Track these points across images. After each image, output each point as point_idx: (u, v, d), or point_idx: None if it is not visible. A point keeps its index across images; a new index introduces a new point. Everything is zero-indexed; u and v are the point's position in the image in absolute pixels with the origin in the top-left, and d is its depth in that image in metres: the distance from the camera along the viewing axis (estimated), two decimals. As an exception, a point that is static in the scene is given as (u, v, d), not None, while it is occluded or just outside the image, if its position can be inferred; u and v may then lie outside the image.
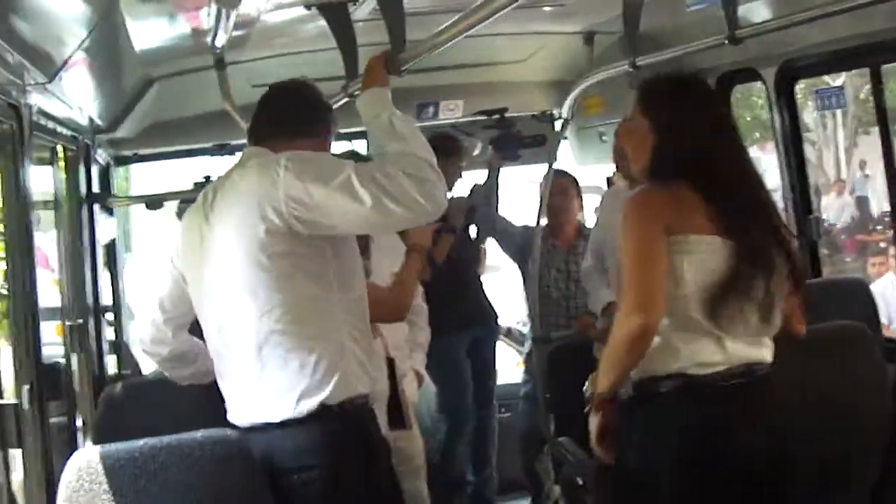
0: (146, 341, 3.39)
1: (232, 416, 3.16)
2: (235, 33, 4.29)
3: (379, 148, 3.11)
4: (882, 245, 17.51)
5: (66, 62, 3.51)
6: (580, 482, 4.56)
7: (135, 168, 9.00)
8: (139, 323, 3.39)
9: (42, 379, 3.39)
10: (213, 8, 3.66)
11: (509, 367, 7.47)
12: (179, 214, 7.02)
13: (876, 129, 5.05)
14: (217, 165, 6.61)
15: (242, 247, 3.00)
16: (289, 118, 3.26)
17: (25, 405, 3.24)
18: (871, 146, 21.89)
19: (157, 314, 3.31)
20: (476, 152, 6.48)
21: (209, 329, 3.17)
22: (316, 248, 3.02)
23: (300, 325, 3.00)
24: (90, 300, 4.96)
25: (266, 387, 3.04)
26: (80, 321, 4.76)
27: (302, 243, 3.00)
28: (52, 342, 4.49)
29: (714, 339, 3.11)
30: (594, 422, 3.26)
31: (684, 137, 3.19)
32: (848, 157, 22.30)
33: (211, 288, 3.10)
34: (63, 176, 4.83)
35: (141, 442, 2.85)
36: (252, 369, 3.05)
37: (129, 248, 9.53)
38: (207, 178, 6.23)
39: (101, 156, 5.92)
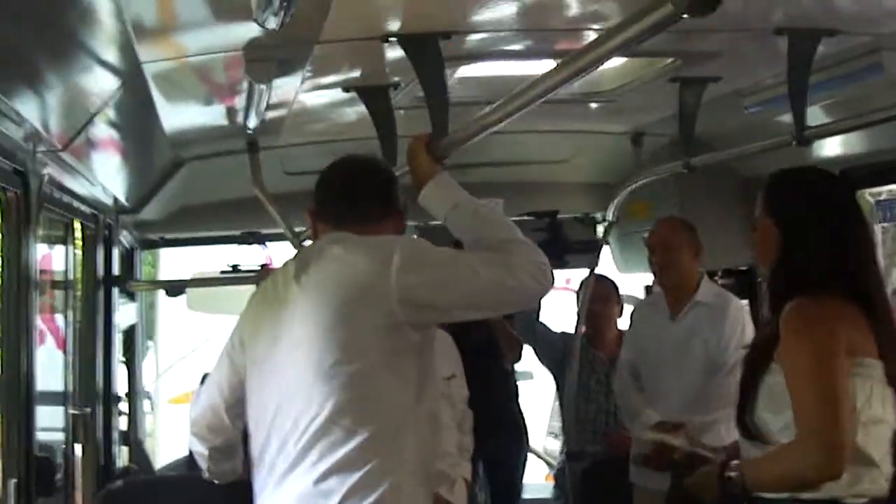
0: (202, 429, 3.16)
1: None
2: (270, 115, 4.12)
3: (474, 239, 2.94)
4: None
5: (80, 131, 3.32)
6: None
7: (164, 252, 8.91)
8: (196, 411, 3.16)
9: (33, 473, 3.11)
10: (246, 85, 3.48)
11: (538, 480, 7.16)
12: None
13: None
14: (245, 254, 6.44)
15: (329, 335, 2.81)
16: (371, 199, 3.03)
17: (11, 502, 2.96)
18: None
19: (217, 400, 3.10)
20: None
21: (263, 412, 2.94)
22: (408, 347, 2.84)
23: (366, 423, 2.78)
24: (100, 388, 4.70)
25: (311, 481, 2.80)
26: (87, 409, 4.50)
27: (395, 341, 2.82)
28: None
29: (871, 467, 2.83)
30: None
31: (830, 247, 2.92)
32: (886, 277, 21.94)
33: (279, 369, 2.90)
34: (80, 255, 4.62)
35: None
36: (300, 460, 2.82)
37: (151, 335, 9.35)
38: (235, 266, 6.05)
39: (126, 238, 5.75)
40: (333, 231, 3.01)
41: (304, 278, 2.93)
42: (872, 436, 2.82)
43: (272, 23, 2.49)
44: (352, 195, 3.04)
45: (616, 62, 4.11)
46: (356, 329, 2.81)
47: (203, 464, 3.24)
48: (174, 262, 8.91)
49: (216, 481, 3.28)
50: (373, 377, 2.81)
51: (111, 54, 2.97)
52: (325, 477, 2.78)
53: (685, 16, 1.76)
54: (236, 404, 3.06)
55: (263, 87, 3.37)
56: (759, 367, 2.94)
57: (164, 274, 9.06)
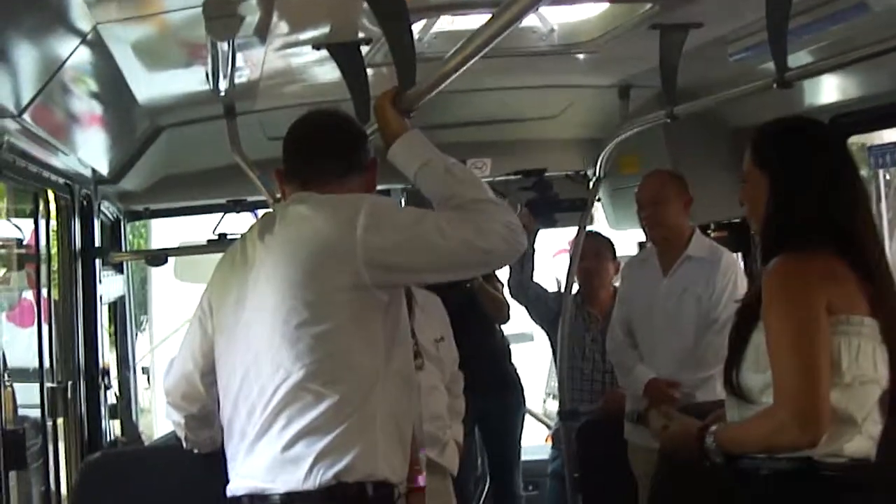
0: (177, 399, 3.13)
1: (234, 483, 2.88)
2: (243, 77, 4.02)
3: (444, 198, 2.84)
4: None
5: (36, 95, 3.22)
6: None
7: (156, 223, 8.83)
8: (170, 380, 3.12)
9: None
10: (209, 46, 3.38)
11: (538, 441, 7.11)
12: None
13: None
14: (235, 222, 6.36)
15: (294, 295, 2.75)
16: (334, 157, 2.96)
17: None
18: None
19: (190, 367, 3.05)
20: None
21: (231, 378, 2.90)
22: (375, 308, 2.77)
23: (334, 386, 2.73)
24: (82, 362, 4.63)
25: (279, 448, 2.76)
26: (70, 383, 4.43)
27: (361, 301, 2.75)
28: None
29: (851, 426, 2.72)
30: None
31: (819, 196, 2.79)
32: (891, 229, 21.74)
33: (245, 333, 2.85)
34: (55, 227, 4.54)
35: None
36: (269, 427, 2.77)
37: (146, 309, 9.29)
38: (223, 235, 5.97)
39: (110, 208, 5.66)
40: (299, 191, 2.94)
41: (268, 239, 2.87)
42: (857, 396, 2.70)
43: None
44: (314, 153, 2.97)
45: (594, 10, 4.01)
46: (321, 289, 2.74)
47: (181, 433, 3.21)
48: (166, 232, 8.83)
49: (196, 450, 3.23)
50: (340, 338, 2.74)
51: (62, 15, 2.86)
52: (292, 443, 2.73)
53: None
54: (210, 371, 3.00)
55: (226, 46, 3.27)
56: (748, 324, 2.83)
57: (157, 245, 8.97)
